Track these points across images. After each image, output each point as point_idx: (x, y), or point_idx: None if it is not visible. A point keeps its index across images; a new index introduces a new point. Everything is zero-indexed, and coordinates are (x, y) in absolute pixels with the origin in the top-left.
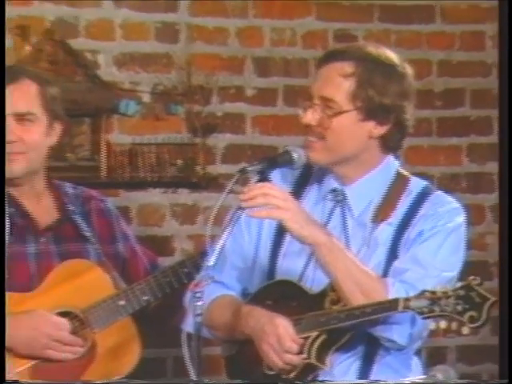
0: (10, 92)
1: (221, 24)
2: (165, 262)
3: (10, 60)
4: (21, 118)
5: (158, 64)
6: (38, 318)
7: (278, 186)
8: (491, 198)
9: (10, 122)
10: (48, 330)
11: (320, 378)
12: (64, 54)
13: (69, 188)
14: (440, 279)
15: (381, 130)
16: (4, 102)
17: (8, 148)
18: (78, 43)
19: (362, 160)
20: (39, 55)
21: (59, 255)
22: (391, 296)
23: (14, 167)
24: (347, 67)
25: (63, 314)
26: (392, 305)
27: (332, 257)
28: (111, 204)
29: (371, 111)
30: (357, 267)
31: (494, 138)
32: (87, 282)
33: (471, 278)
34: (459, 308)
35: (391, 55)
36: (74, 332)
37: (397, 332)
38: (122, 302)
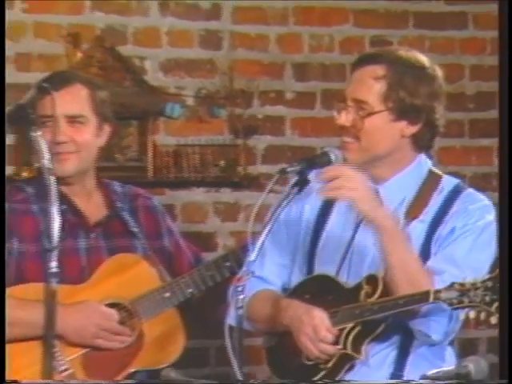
0: (62, 95)
1: (262, 31)
2: (208, 256)
3: (62, 66)
4: (72, 120)
5: (201, 69)
6: (88, 309)
7: (351, 168)
8: None
9: (61, 124)
10: (97, 320)
11: (356, 368)
12: (113, 60)
13: (117, 186)
14: (472, 278)
15: (412, 129)
16: (4, 103)
17: (60, 148)
18: (127, 50)
19: (395, 159)
20: (90, 61)
21: (108, 250)
22: None
23: (66, 166)
24: (379, 70)
25: (112, 305)
26: (423, 296)
27: (392, 243)
28: (157, 201)
29: (402, 111)
30: (413, 259)
31: None
32: (134, 275)
33: (499, 269)
34: (487, 299)
35: (421, 58)
36: (122, 322)
37: (434, 328)
38: (167, 294)
